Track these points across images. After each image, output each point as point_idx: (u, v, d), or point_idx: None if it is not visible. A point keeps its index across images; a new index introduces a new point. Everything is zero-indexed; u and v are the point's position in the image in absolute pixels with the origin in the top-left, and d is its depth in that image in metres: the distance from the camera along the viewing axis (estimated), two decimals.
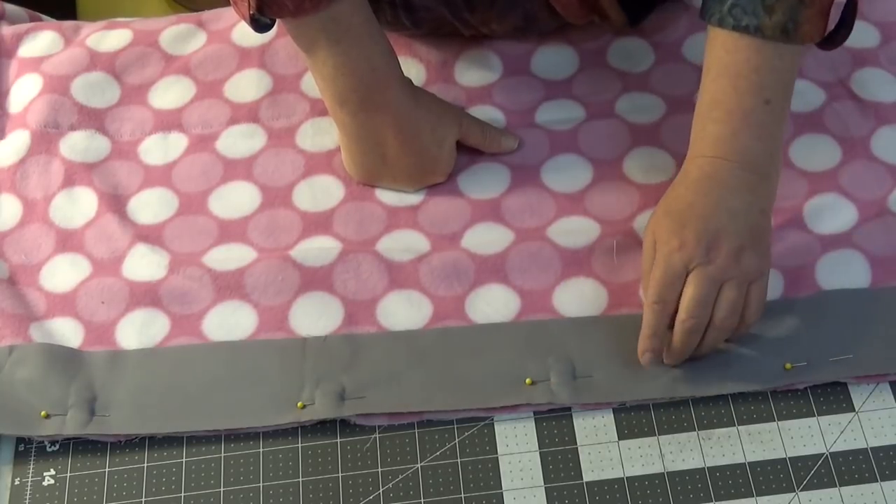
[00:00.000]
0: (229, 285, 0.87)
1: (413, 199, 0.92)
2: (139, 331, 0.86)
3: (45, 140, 0.96)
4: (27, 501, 0.79)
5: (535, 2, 0.94)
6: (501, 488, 0.79)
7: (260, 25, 0.82)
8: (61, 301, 0.87)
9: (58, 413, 0.81)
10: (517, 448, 0.80)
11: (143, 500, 0.79)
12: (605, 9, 0.93)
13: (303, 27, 0.83)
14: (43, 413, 0.81)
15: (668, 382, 0.81)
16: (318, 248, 0.89)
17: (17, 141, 0.96)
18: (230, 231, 0.91)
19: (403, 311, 0.86)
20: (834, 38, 0.82)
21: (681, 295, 0.78)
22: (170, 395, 0.82)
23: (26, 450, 0.81)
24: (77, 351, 0.84)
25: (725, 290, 0.78)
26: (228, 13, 1.03)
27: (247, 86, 0.99)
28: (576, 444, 0.80)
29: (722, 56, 0.81)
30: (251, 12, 0.80)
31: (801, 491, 0.78)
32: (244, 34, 1.02)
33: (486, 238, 0.89)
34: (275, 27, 0.87)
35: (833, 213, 0.89)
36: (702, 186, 0.81)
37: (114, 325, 0.86)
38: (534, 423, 0.81)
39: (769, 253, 0.81)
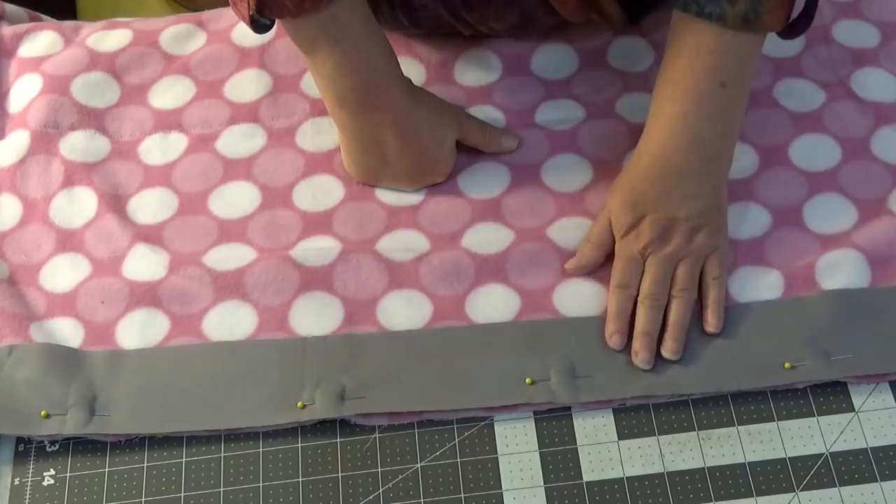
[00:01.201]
0: (229, 285, 0.87)
1: (413, 198, 0.92)
2: (139, 331, 0.86)
3: (45, 140, 0.96)
4: (27, 501, 0.79)
5: (533, 0, 0.94)
6: (501, 488, 0.79)
7: (259, 26, 0.82)
8: (61, 301, 0.87)
9: (58, 413, 0.81)
10: (517, 448, 0.80)
11: (143, 500, 0.79)
12: (604, 7, 0.93)
13: (302, 27, 0.83)
14: (43, 413, 0.81)
15: (668, 381, 0.81)
16: (318, 248, 0.89)
17: (17, 141, 0.96)
18: (230, 231, 0.91)
19: (403, 311, 0.86)
20: (795, 28, 0.83)
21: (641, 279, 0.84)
22: (170, 395, 0.82)
23: (26, 450, 0.81)
24: (77, 351, 0.84)
25: (680, 268, 0.84)
26: (228, 13, 1.03)
27: (247, 86, 0.99)
28: (576, 444, 0.80)
29: (682, 37, 0.83)
30: (251, 13, 0.80)
31: (801, 491, 0.78)
32: (244, 34, 1.02)
33: (487, 238, 0.89)
34: (274, 28, 0.87)
35: (833, 213, 0.89)
36: (655, 172, 0.85)
37: (114, 324, 0.86)
38: (534, 423, 0.81)
39: (724, 227, 0.86)
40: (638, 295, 0.84)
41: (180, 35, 1.03)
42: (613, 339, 0.83)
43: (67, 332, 0.86)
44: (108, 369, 0.83)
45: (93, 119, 0.97)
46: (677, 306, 0.83)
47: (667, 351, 0.82)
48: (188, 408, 0.82)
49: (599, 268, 0.87)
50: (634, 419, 0.81)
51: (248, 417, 0.81)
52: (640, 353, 0.81)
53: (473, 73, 0.99)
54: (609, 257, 0.86)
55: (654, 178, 0.85)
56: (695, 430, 0.80)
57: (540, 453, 0.80)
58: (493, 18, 0.96)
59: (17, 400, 0.82)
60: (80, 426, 0.81)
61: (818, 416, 0.80)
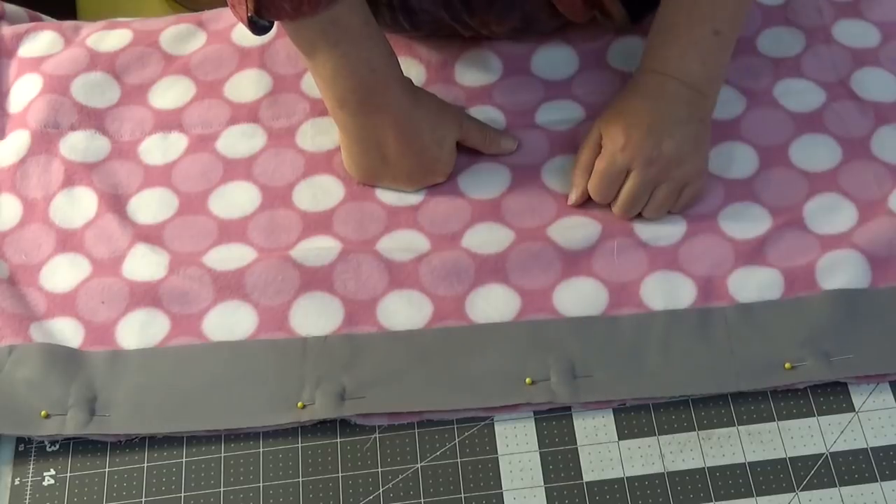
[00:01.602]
0: (229, 285, 0.87)
1: (413, 199, 0.92)
2: (139, 331, 0.86)
3: (45, 140, 0.96)
4: (27, 501, 0.79)
5: (534, 3, 0.94)
6: (501, 488, 0.79)
7: (258, 28, 0.82)
8: (61, 301, 0.87)
9: (58, 413, 0.81)
10: (517, 448, 0.80)
11: (143, 500, 0.79)
12: (607, 5, 0.93)
13: (301, 29, 0.83)
14: (43, 413, 0.81)
15: (668, 382, 0.81)
16: (318, 248, 0.89)
17: (17, 141, 0.96)
18: (230, 231, 0.91)
19: (404, 311, 0.86)
20: None
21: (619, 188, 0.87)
22: (170, 395, 0.82)
23: (26, 450, 0.81)
24: (77, 351, 0.84)
25: (659, 191, 0.87)
26: (228, 13, 1.03)
27: (247, 86, 0.99)
28: (576, 444, 0.80)
29: None
30: (249, 14, 0.80)
31: (801, 491, 0.78)
32: (244, 34, 1.02)
33: (487, 238, 0.89)
34: (274, 28, 0.87)
35: (833, 213, 0.89)
36: (650, 97, 0.88)
37: (114, 324, 0.86)
38: (534, 423, 0.81)
39: (707, 158, 0.90)
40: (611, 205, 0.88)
41: (180, 35, 1.03)
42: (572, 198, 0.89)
43: (67, 332, 0.86)
44: (108, 369, 0.83)
45: (93, 119, 0.97)
46: (650, 212, 0.88)
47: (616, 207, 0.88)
48: (188, 408, 0.82)
49: (598, 266, 0.87)
50: (634, 419, 0.81)
51: (248, 417, 0.81)
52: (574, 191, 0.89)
53: (473, 74, 0.99)
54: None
55: (651, 100, 0.88)
56: (695, 430, 0.80)
57: (540, 453, 0.80)
58: (495, 22, 0.96)
59: (17, 400, 0.82)
60: (80, 426, 0.81)
61: (818, 416, 0.80)
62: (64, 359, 0.84)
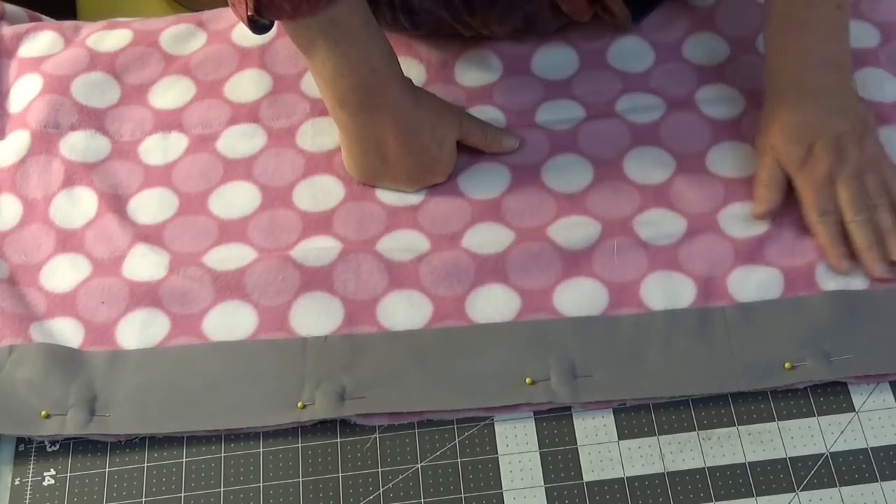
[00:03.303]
0: (229, 285, 0.87)
1: (413, 199, 0.92)
2: (139, 330, 0.86)
3: (45, 140, 0.96)
4: (27, 501, 0.79)
5: (536, 3, 0.94)
6: (501, 488, 0.79)
7: (258, 27, 0.82)
8: (61, 301, 0.87)
9: (58, 413, 0.81)
10: (517, 448, 0.80)
11: (143, 500, 0.79)
12: (609, 3, 0.93)
13: (301, 29, 0.83)
14: (43, 413, 0.81)
15: (668, 382, 0.81)
16: (318, 248, 0.89)
17: (17, 141, 0.96)
18: (230, 231, 0.91)
19: (403, 311, 0.86)
20: None
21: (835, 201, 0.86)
22: (170, 395, 0.82)
23: (26, 450, 0.81)
24: (77, 351, 0.84)
25: (868, 180, 0.86)
26: (228, 13, 1.03)
27: (247, 86, 0.99)
28: (576, 444, 0.80)
29: None
30: (249, 13, 0.80)
31: (801, 491, 0.78)
32: (244, 34, 1.02)
33: (487, 238, 0.89)
34: (274, 28, 0.87)
35: None
36: (805, 102, 0.88)
37: (114, 325, 0.86)
38: (534, 423, 0.81)
39: (876, 132, 0.90)
40: (842, 218, 0.86)
41: (180, 35, 1.03)
42: (842, 265, 0.85)
43: (67, 332, 0.86)
44: (108, 369, 0.83)
45: (93, 119, 0.97)
46: (883, 215, 0.85)
47: (870, 260, 0.84)
48: (188, 408, 0.82)
49: (598, 266, 0.87)
50: (634, 419, 0.81)
51: (249, 417, 0.81)
52: (876, 266, 0.84)
53: (474, 74, 0.99)
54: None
55: (806, 106, 0.88)
56: (695, 430, 0.80)
57: (540, 453, 0.80)
58: (496, 22, 0.96)
59: (17, 400, 0.82)
60: (81, 426, 0.81)
61: (818, 416, 0.80)
62: (64, 359, 0.84)
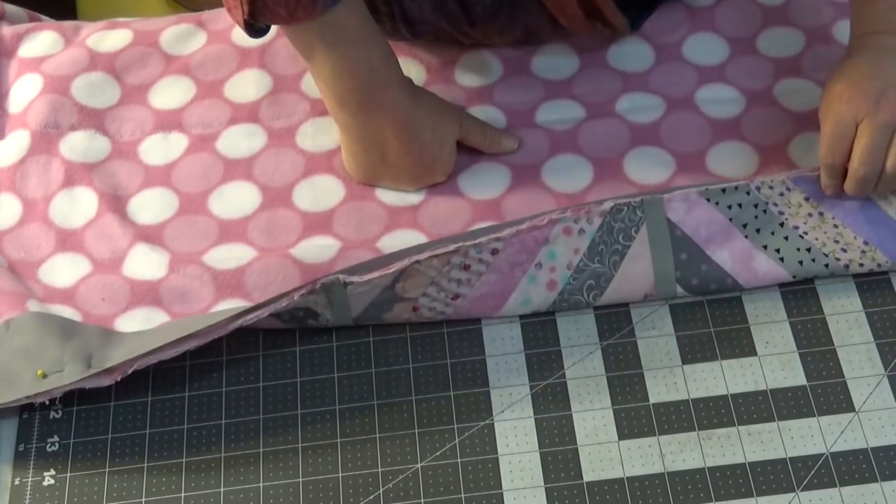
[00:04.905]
0: (229, 284, 0.87)
1: (413, 198, 0.92)
2: (139, 326, 0.85)
3: (45, 140, 0.96)
4: (27, 501, 0.79)
5: (536, 16, 0.94)
6: (501, 488, 0.79)
7: (255, 30, 0.82)
8: (60, 293, 0.87)
9: (55, 371, 0.81)
10: (517, 448, 0.80)
11: (143, 500, 0.79)
12: (608, 17, 0.93)
13: (299, 32, 0.83)
14: (40, 373, 0.81)
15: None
16: (318, 247, 0.89)
17: (17, 141, 0.96)
18: (230, 231, 0.91)
19: None
20: None
21: (852, 147, 0.82)
22: (167, 334, 0.82)
23: (26, 450, 0.81)
24: (73, 321, 0.84)
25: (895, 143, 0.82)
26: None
27: (247, 86, 0.99)
28: (576, 444, 0.80)
29: None
30: (245, 18, 0.80)
31: (801, 491, 0.78)
32: (244, 35, 1.01)
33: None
34: (273, 29, 0.87)
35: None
36: (870, 56, 0.85)
37: (113, 318, 0.86)
38: (534, 423, 0.81)
39: None
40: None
41: (180, 35, 1.03)
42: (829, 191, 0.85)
43: (65, 315, 0.85)
44: (103, 339, 0.83)
45: (93, 119, 0.97)
46: (883, 187, 0.84)
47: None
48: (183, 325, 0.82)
49: None
50: (635, 419, 0.81)
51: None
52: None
53: (474, 74, 0.99)
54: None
55: (872, 59, 0.85)
56: (695, 430, 0.80)
57: (540, 453, 0.80)
58: (497, 34, 0.96)
59: (14, 368, 0.81)
60: (77, 375, 0.80)
61: (818, 416, 0.81)
62: (59, 325, 0.83)
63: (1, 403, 0.81)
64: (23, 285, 0.87)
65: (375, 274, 0.82)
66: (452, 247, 0.83)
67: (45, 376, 0.81)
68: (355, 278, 0.82)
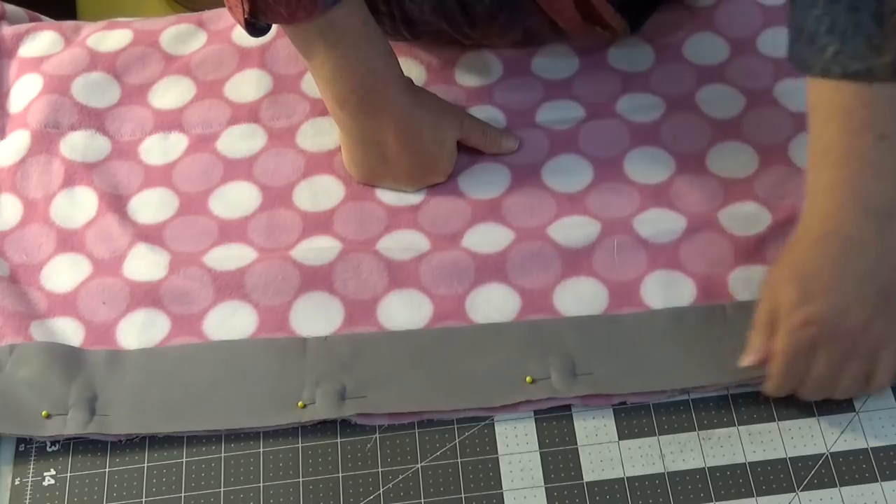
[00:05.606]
0: (229, 285, 0.87)
1: (413, 198, 0.92)
2: (139, 331, 0.85)
3: (45, 140, 0.96)
4: (27, 501, 0.79)
5: (536, 18, 0.94)
6: (502, 488, 0.79)
7: (256, 29, 0.82)
8: (62, 301, 0.87)
9: (59, 413, 0.81)
10: (517, 448, 0.80)
11: (143, 500, 0.79)
12: (607, 20, 0.93)
13: (299, 32, 0.83)
14: (44, 413, 0.81)
15: (669, 375, 0.81)
16: (318, 248, 0.89)
17: (18, 141, 0.96)
18: (230, 231, 0.91)
19: (404, 311, 0.86)
20: None
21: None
22: (170, 395, 0.82)
23: (26, 450, 0.81)
24: (77, 349, 0.84)
25: (852, 365, 0.76)
26: (228, 13, 1.03)
27: (247, 86, 0.99)
28: (576, 444, 0.80)
29: (827, 101, 0.75)
30: (245, 17, 0.80)
31: (801, 491, 0.78)
32: (244, 34, 1.00)
33: (487, 238, 0.89)
34: (273, 28, 0.87)
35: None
36: (825, 247, 0.76)
37: (114, 324, 0.86)
38: (534, 423, 0.81)
39: None
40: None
41: (180, 35, 1.03)
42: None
43: (68, 331, 0.86)
44: (109, 369, 0.83)
45: (93, 119, 0.97)
46: (835, 396, 0.79)
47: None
48: (188, 407, 0.82)
49: (598, 265, 0.87)
50: (635, 419, 0.81)
51: (249, 417, 0.81)
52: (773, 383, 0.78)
53: (474, 74, 0.99)
54: None
55: (827, 252, 0.75)
56: (695, 430, 0.80)
57: (540, 453, 0.80)
58: (497, 35, 0.96)
59: (18, 400, 0.82)
60: (81, 426, 0.81)
61: (818, 416, 0.80)
62: (64, 357, 0.84)
63: (3, 433, 0.81)
64: (25, 302, 0.87)
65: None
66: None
67: (48, 417, 0.81)
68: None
